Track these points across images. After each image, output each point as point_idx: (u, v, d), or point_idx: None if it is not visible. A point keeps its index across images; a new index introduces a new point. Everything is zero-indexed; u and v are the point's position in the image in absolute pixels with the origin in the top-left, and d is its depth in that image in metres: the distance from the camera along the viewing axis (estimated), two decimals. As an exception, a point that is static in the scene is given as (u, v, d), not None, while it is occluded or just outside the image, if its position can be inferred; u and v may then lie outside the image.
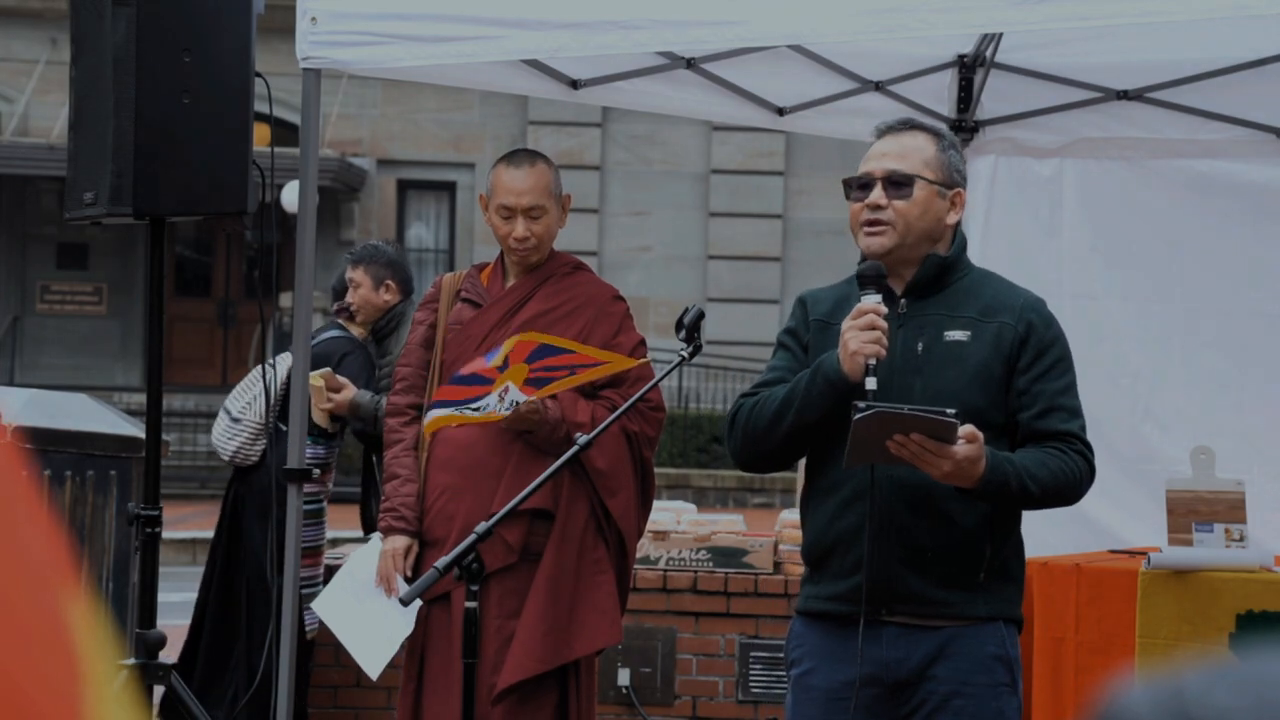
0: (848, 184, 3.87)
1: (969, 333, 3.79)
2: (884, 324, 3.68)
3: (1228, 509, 5.19)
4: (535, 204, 4.97)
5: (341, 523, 15.21)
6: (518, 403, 4.70)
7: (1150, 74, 6.28)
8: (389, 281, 6.95)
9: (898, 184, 3.80)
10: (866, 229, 3.81)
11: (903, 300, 3.83)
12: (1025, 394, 3.77)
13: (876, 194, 3.79)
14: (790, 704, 3.91)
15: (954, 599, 3.75)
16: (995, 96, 6.48)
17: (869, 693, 3.76)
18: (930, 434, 3.54)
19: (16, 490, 0.92)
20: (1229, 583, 5.05)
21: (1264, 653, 1.01)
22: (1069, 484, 3.75)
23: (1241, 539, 5.17)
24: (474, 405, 4.70)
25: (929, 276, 3.82)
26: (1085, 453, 3.78)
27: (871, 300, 3.71)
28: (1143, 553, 5.36)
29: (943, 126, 3.99)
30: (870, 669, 3.75)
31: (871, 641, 3.75)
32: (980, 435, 3.58)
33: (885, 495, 3.74)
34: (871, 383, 3.64)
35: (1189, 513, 5.20)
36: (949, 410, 3.53)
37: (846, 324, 3.69)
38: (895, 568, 3.74)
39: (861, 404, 3.56)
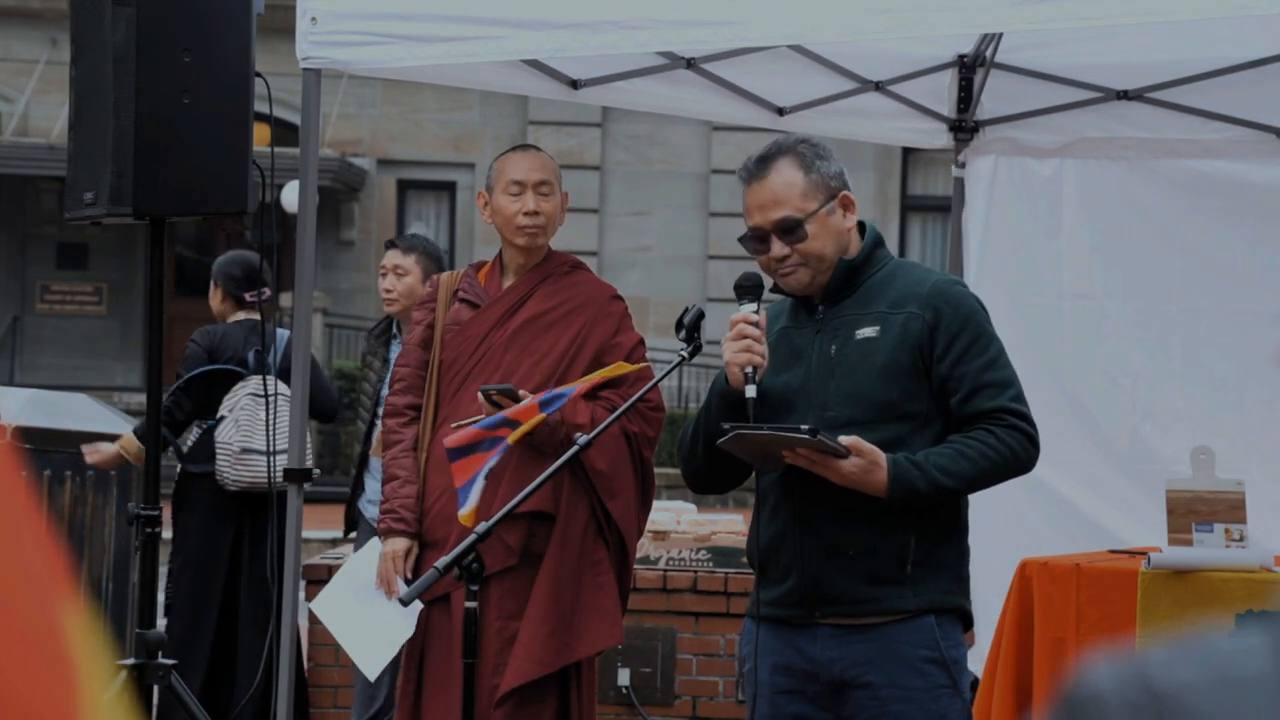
0: (744, 241, 3.93)
1: (878, 328, 3.83)
2: (755, 331, 3.77)
3: (1228, 509, 5.19)
4: (545, 179, 5.01)
5: (338, 523, 15.19)
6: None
7: (1150, 74, 6.28)
8: (435, 277, 6.82)
9: (789, 230, 3.85)
10: (781, 273, 3.88)
11: (820, 307, 3.90)
12: (949, 380, 3.79)
13: (777, 248, 3.86)
14: (748, 699, 4.01)
15: (881, 594, 3.79)
16: (995, 96, 6.48)
17: (812, 688, 3.84)
18: (813, 449, 3.62)
19: (15, 496, 0.91)
20: (1229, 583, 5.05)
21: (1229, 630, 1.03)
22: (999, 465, 3.75)
23: (1241, 539, 5.17)
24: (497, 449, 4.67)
25: (839, 281, 3.89)
26: (1018, 424, 3.77)
27: (744, 310, 3.81)
28: (1143, 553, 5.35)
29: (794, 142, 3.92)
30: (807, 666, 3.83)
31: (808, 642, 3.83)
32: (867, 448, 3.64)
33: (804, 500, 3.80)
34: (751, 390, 3.74)
35: (1189, 513, 5.20)
36: (803, 426, 3.61)
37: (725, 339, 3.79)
38: (821, 570, 3.80)
39: (727, 425, 3.66)
